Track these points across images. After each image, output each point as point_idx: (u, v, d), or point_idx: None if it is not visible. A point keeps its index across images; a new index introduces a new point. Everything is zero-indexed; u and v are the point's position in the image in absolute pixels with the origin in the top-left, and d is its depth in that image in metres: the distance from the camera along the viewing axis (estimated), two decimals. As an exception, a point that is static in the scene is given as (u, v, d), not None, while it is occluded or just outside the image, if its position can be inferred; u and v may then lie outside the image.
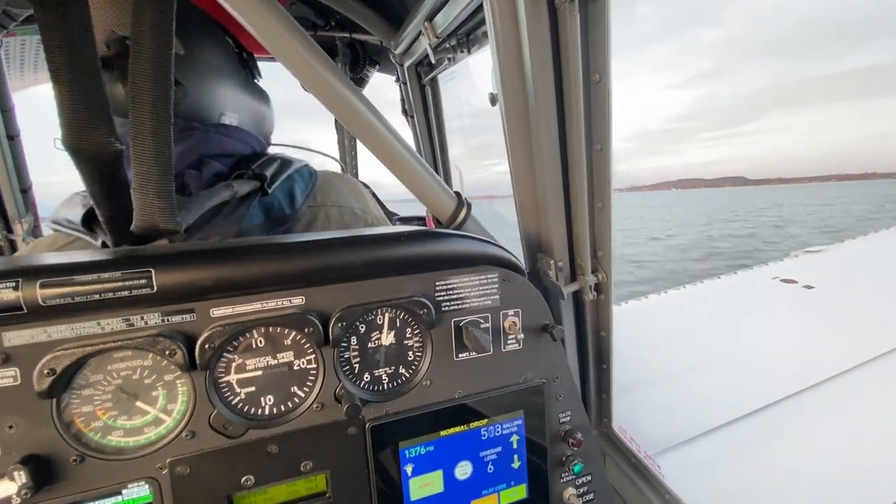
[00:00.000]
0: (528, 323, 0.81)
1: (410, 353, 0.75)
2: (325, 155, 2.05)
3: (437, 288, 0.74)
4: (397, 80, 2.09)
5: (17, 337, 0.55)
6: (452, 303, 0.76)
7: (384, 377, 0.74)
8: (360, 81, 2.19)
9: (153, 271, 0.58)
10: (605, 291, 1.05)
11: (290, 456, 0.68)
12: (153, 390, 0.62)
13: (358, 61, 2.05)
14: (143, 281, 0.57)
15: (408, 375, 0.75)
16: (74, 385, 0.59)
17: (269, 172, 0.89)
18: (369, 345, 0.73)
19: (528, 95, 0.90)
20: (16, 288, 0.53)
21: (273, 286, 0.64)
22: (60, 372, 0.56)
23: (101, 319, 0.58)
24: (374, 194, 1.16)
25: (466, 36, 1.34)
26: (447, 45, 1.38)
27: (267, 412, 0.68)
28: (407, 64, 1.88)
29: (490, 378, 0.80)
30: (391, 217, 1.99)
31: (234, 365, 0.65)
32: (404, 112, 2.17)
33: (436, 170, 2.15)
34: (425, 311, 0.72)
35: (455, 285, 0.75)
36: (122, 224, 0.71)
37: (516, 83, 0.90)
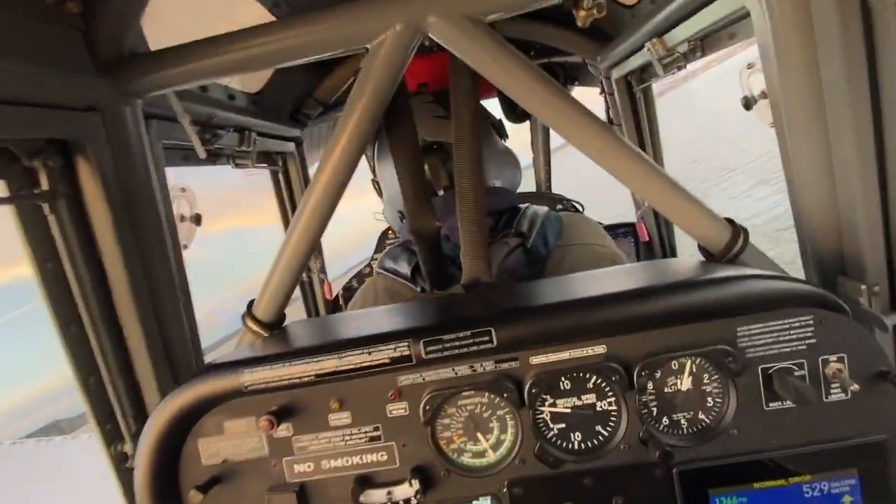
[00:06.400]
0: (857, 369, 0.70)
1: (710, 399, 0.74)
2: (568, 199, 2.21)
3: (740, 334, 0.71)
4: (602, 91, 2.07)
5: (405, 379, 0.76)
6: (758, 349, 0.71)
7: (683, 422, 0.75)
8: None
9: (493, 330, 0.72)
10: None
11: (602, 490, 0.75)
12: (490, 423, 0.77)
13: (558, 80, 2.13)
14: (486, 338, 0.72)
15: (708, 422, 0.74)
16: (439, 416, 0.77)
17: (525, 227, 1.06)
18: (666, 389, 0.74)
19: (823, 92, 0.78)
20: (408, 347, 0.73)
21: (579, 337, 0.73)
22: (435, 407, 0.75)
23: (455, 367, 0.75)
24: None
25: (701, 40, 1.25)
26: (676, 55, 1.31)
27: (576, 447, 0.76)
28: (615, 76, 1.85)
29: (810, 431, 0.72)
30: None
31: (547, 404, 0.76)
32: (609, 122, 2.14)
33: None
34: (730, 360, 0.70)
35: (760, 331, 0.71)
36: (441, 276, 0.99)
37: (804, 83, 0.79)
